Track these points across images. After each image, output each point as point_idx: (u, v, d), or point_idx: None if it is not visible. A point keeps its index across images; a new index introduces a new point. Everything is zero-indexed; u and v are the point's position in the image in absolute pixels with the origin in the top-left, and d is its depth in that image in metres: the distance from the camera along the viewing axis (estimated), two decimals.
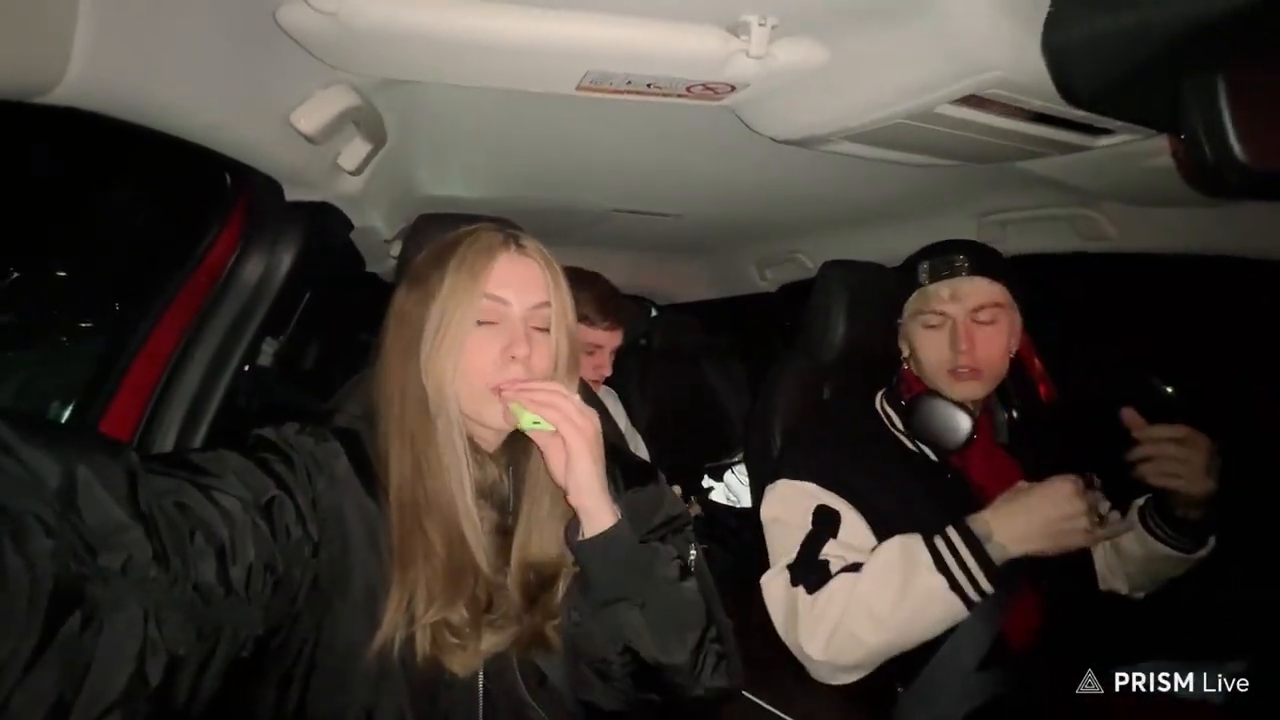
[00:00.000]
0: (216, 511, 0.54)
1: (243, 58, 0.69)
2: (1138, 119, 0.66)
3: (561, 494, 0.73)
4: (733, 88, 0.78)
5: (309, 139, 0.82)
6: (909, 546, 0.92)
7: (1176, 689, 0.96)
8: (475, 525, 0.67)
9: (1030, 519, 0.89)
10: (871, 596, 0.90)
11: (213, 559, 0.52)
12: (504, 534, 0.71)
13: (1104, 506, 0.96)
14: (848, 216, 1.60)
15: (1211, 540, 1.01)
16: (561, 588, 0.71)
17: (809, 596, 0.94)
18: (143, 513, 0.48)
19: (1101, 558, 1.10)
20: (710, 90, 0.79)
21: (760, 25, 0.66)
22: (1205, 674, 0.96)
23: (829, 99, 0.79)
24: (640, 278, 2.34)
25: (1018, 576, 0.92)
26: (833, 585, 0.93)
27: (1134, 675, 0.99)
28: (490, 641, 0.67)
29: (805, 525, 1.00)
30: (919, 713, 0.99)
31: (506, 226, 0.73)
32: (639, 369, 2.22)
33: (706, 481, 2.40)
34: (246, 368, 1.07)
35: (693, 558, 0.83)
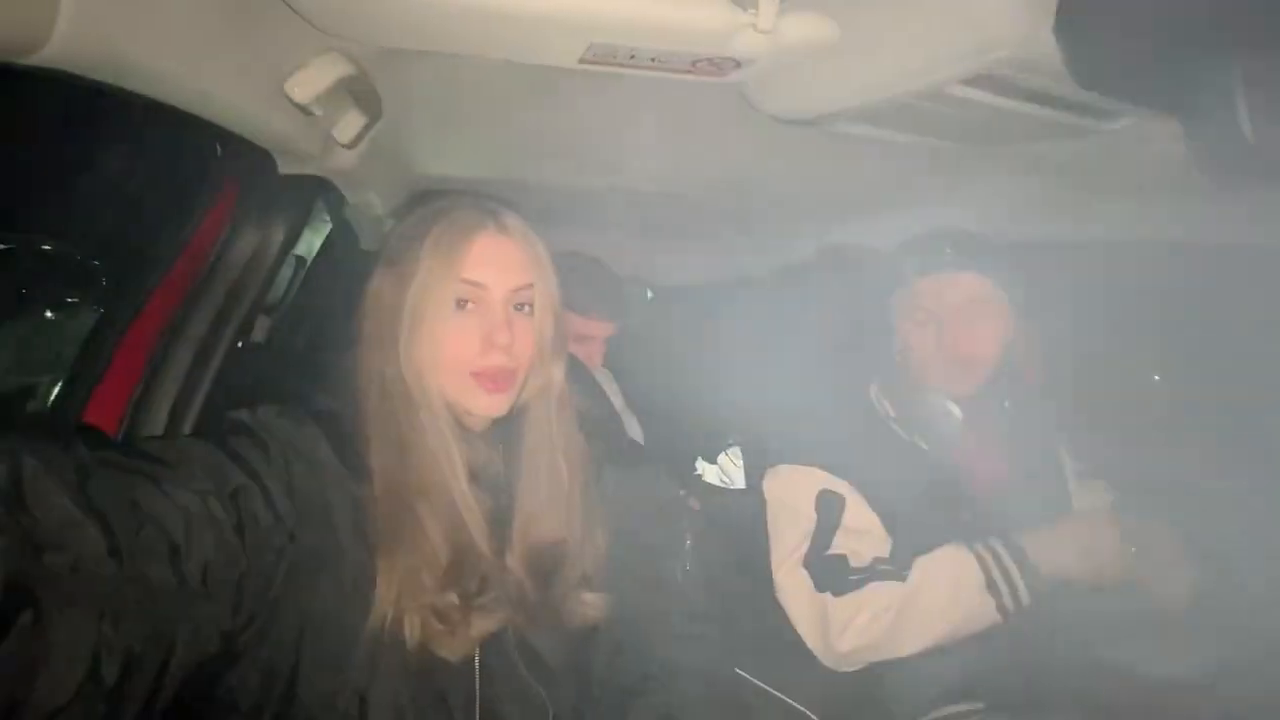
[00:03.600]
0: (170, 505, 0.52)
1: (235, 23, 0.67)
2: (1148, 103, 0.65)
3: (559, 474, 0.73)
4: (738, 64, 0.76)
5: (303, 109, 0.80)
6: (961, 565, 0.94)
7: (1155, 670, 0.99)
8: (473, 509, 0.67)
9: (1070, 545, 0.93)
10: (919, 615, 0.93)
11: (165, 555, 0.51)
12: (499, 514, 0.71)
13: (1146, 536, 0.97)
14: (850, 200, 1.58)
15: None
16: (575, 563, 0.71)
17: (838, 600, 0.95)
18: (95, 509, 0.47)
19: None
20: (716, 66, 0.77)
21: None
22: (1184, 655, 0.99)
23: (836, 76, 0.77)
24: (637, 259, 2.32)
25: None
26: (868, 596, 0.95)
27: (1114, 653, 1.02)
28: (480, 626, 0.66)
29: (809, 513, 1.01)
30: (905, 685, 1.02)
31: (485, 201, 0.70)
32: (634, 351, 2.22)
33: (700, 463, 2.41)
34: (240, 344, 1.06)
35: (687, 546, 0.84)
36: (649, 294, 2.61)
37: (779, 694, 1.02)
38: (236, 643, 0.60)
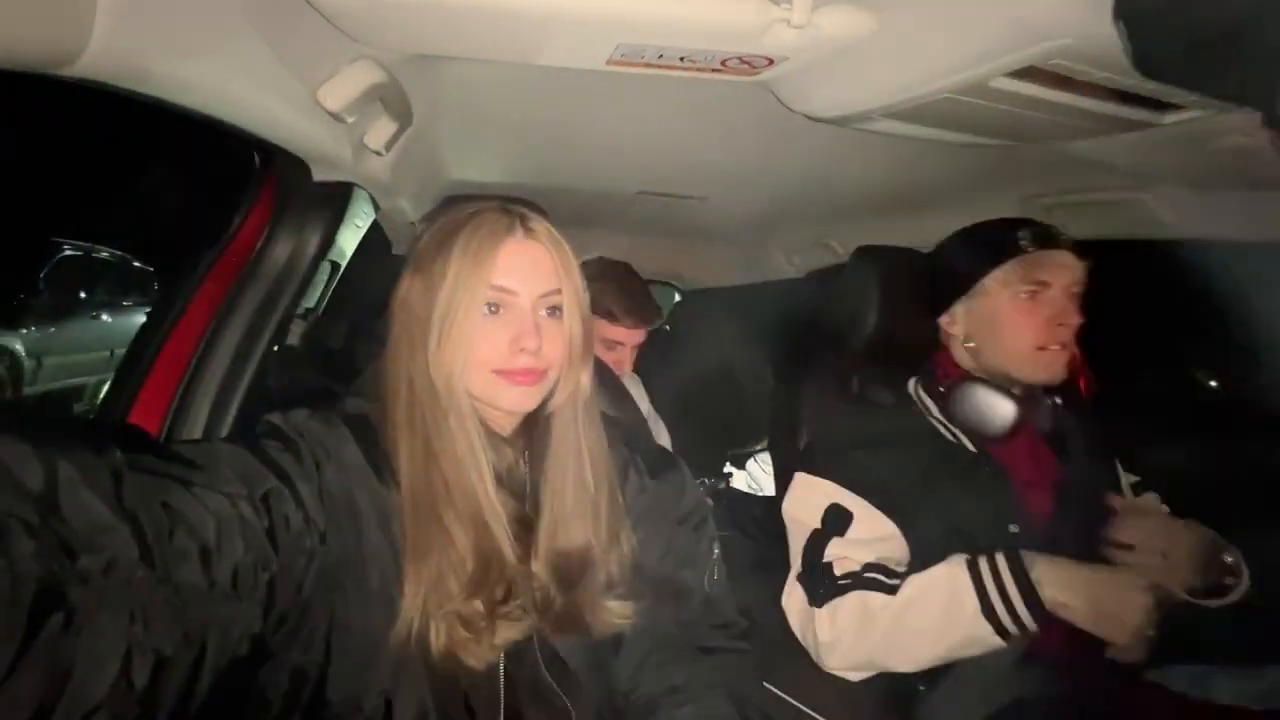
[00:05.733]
0: (201, 508, 0.53)
1: (267, 32, 0.68)
2: (1220, 93, 0.60)
3: (585, 478, 0.72)
4: (770, 61, 0.74)
5: (335, 116, 0.81)
6: (955, 584, 0.88)
7: (1214, 694, 0.93)
8: (499, 515, 0.66)
9: (1082, 589, 0.86)
10: (909, 632, 0.89)
11: (196, 558, 0.51)
12: (524, 520, 0.70)
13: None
14: (881, 200, 1.54)
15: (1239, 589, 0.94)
16: (600, 569, 0.70)
17: (819, 610, 0.93)
18: (128, 512, 0.47)
19: None
20: (747, 64, 0.75)
21: None
22: (1246, 681, 0.93)
23: (874, 72, 0.74)
24: (665, 262, 2.32)
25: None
26: (844, 604, 0.92)
27: (1166, 677, 0.96)
28: (505, 634, 0.66)
29: (815, 525, 0.98)
30: (945, 709, 0.97)
31: (513, 206, 0.70)
32: (663, 355, 2.21)
33: (729, 469, 2.38)
34: (276, 348, 1.08)
35: (715, 555, 0.82)
36: (676, 296, 2.59)
37: (809, 710, 0.99)
38: (267, 644, 0.61)
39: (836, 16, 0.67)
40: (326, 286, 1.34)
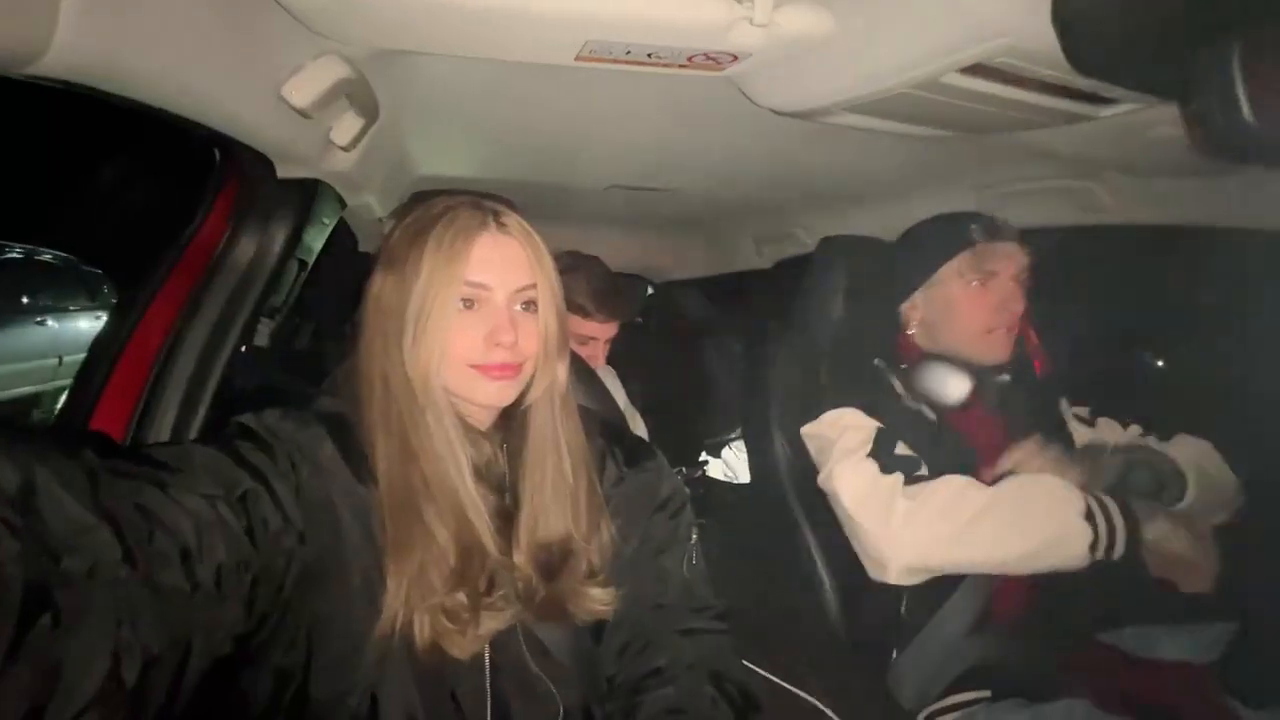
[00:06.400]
0: (179, 510, 0.52)
1: (231, 28, 0.67)
2: (1147, 88, 0.65)
3: (564, 470, 0.73)
4: (735, 57, 0.76)
5: (301, 113, 0.80)
6: (1062, 488, 0.94)
7: (1161, 652, 1.00)
8: (479, 509, 0.67)
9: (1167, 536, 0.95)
10: (1004, 521, 0.92)
11: (177, 560, 0.51)
12: (504, 512, 0.71)
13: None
14: (845, 191, 1.58)
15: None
16: (581, 558, 0.72)
17: (908, 486, 0.96)
18: (106, 514, 0.47)
19: None
20: (712, 60, 0.77)
21: None
22: (1190, 637, 1.00)
23: (833, 68, 0.77)
24: (637, 255, 2.33)
25: None
26: (943, 483, 0.95)
27: (1118, 638, 1.03)
28: (489, 624, 0.66)
29: (870, 424, 1.03)
30: (912, 675, 1.02)
31: (485, 201, 0.70)
32: (637, 347, 2.22)
33: (704, 457, 2.42)
34: (243, 348, 1.06)
35: (693, 540, 0.84)
36: (649, 289, 2.61)
37: (787, 685, 1.03)
38: (249, 645, 0.61)
39: (796, 15, 0.69)
40: (293, 285, 1.32)
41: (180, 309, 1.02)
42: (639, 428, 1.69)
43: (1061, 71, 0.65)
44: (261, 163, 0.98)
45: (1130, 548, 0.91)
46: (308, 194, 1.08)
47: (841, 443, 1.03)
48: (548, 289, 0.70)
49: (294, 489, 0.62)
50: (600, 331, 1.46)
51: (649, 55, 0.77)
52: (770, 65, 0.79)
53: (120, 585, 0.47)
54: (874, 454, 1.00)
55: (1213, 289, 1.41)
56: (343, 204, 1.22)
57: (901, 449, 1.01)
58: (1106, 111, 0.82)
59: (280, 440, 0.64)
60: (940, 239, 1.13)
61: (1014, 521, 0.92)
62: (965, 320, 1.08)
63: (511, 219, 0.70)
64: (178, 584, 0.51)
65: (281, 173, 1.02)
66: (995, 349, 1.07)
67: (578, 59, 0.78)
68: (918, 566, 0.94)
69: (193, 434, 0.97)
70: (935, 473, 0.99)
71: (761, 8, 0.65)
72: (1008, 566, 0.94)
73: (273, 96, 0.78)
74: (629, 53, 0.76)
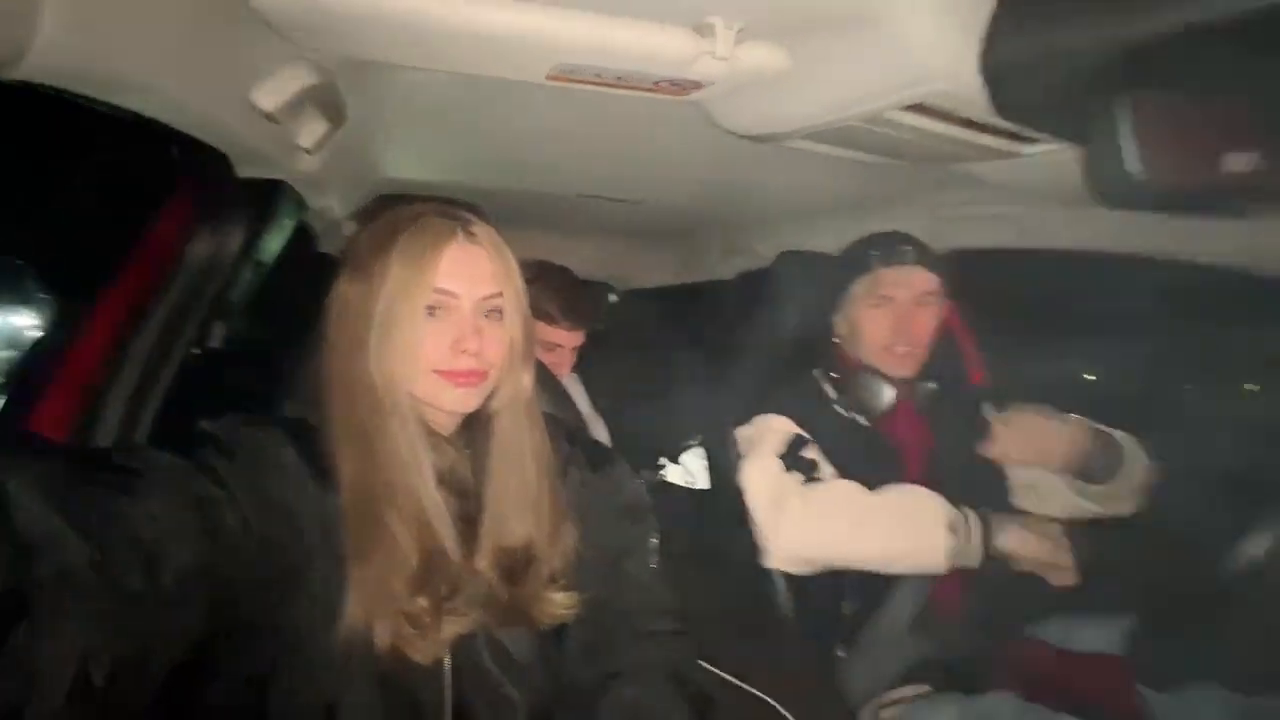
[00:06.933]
0: (142, 516, 0.52)
1: (206, 32, 0.67)
2: (1058, 133, 0.73)
3: (527, 476, 0.74)
4: (699, 85, 0.81)
5: (269, 117, 0.80)
6: (932, 500, 1.04)
7: (1080, 644, 1.08)
8: (442, 514, 0.67)
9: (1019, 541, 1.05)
10: (880, 524, 1.02)
11: (139, 565, 0.51)
12: (467, 518, 0.71)
13: None
14: (805, 208, 1.66)
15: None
16: (544, 564, 0.73)
17: (803, 486, 1.05)
18: (72, 519, 0.47)
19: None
20: (677, 87, 0.81)
21: (726, 29, 0.69)
22: (1103, 629, 1.08)
23: (788, 100, 0.83)
24: (601, 263, 2.35)
25: None
26: (833, 485, 1.05)
27: (1044, 631, 1.11)
28: (450, 628, 0.67)
29: (789, 431, 1.12)
30: (860, 671, 1.08)
31: (454, 209, 0.71)
32: (598, 352, 2.24)
33: (662, 461, 2.45)
34: (198, 351, 1.04)
35: (653, 544, 0.86)
36: (613, 297, 2.63)
37: (741, 684, 1.06)
38: (209, 651, 0.60)
39: (755, 52, 0.74)
40: (250, 287, 1.29)
41: (131, 309, 0.99)
42: (600, 434, 1.71)
43: (988, 114, 0.72)
44: (220, 161, 0.96)
45: (984, 557, 1.02)
46: (268, 194, 1.06)
47: (760, 443, 1.12)
48: (514, 298, 0.71)
49: (254, 494, 0.61)
50: (567, 339, 1.47)
51: (618, 78, 0.80)
52: (732, 93, 0.84)
53: (89, 589, 0.47)
54: (783, 455, 1.09)
55: (1133, 308, 1.54)
56: (303, 205, 1.20)
57: (811, 453, 1.10)
58: (1028, 149, 0.90)
59: (241, 446, 0.63)
60: (846, 263, 1.23)
61: (886, 526, 1.03)
62: (867, 338, 1.18)
63: (480, 228, 0.70)
64: (139, 589, 0.51)
65: (242, 172, 1.00)
66: (899, 364, 1.16)
67: (549, 78, 0.81)
68: (797, 557, 1.06)
69: (140, 438, 0.94)
70: (860, 474, 1.08)
71: (723, 43, 0.69)
72: (871, 565, 1.05)
73: (241, 100, 0.78)
74: (599, 75, 0.79)
